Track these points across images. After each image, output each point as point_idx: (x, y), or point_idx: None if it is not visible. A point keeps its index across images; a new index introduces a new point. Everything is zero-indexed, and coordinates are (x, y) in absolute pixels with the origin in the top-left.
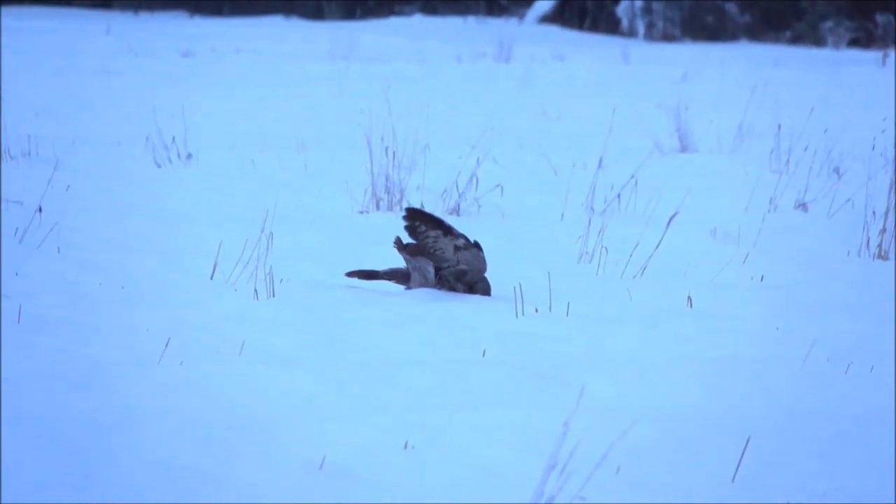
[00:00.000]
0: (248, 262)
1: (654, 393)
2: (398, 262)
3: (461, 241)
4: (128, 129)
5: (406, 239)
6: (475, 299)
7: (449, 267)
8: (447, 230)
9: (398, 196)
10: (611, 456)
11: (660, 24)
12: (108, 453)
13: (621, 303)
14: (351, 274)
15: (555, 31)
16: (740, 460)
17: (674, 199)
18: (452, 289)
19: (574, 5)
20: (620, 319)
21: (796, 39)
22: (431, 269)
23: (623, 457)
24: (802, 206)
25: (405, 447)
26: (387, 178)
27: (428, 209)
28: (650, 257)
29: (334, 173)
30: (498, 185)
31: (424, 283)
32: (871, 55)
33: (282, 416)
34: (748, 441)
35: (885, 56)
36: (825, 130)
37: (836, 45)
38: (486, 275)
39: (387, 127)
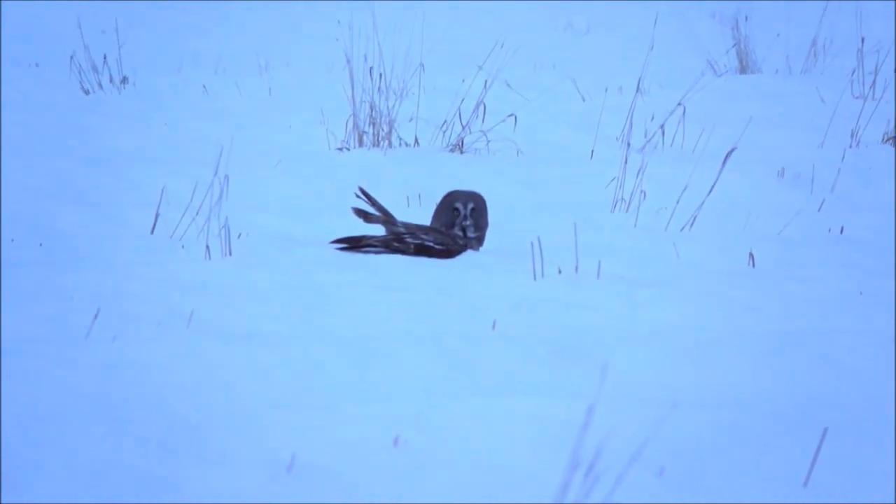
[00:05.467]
0: (197, 213)
1: (704, 374)
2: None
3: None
4: (47, 47)
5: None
6: (483, 258)
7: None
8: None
9: (386, 129)
10: (649, 452)
11: None
12: (28, 453)
13: (665, 262)
14: (338, 242)
15: None
16: (815, 458)
17: (731, 132)
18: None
19: None
20: (663, 283)
21: None
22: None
23: (664, 454)
24: (892, 140)
25: (395, 443)
26: (372, 107)
27: (424, 144)
28: (701, 205)
29: (306, 101)
30: (511, 116)
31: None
32: None
33: (240, 405)
34: (824, 434)
35: None
36: None
37: None
38: (494, 227)
39: (372, 43)
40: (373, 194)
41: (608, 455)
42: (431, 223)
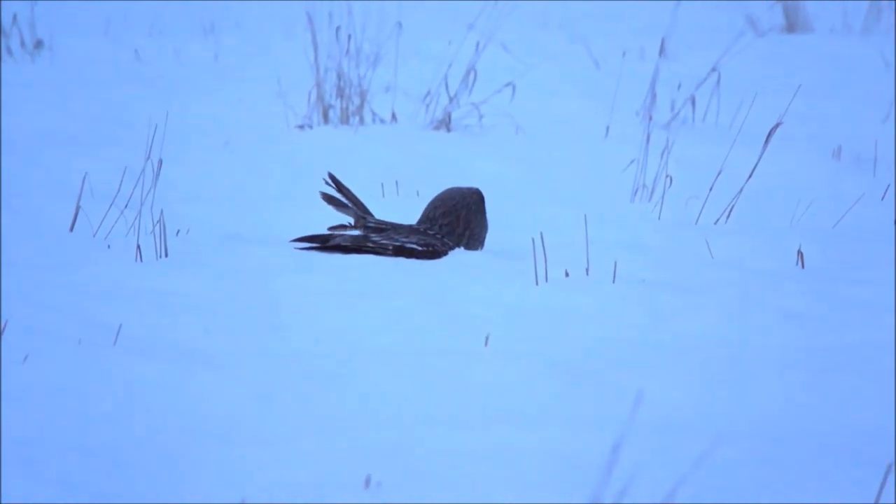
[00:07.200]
0: (126, 206)
1: (744, 399)
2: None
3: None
4: None
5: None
6: (475, 258)
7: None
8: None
9: (357, 102)
10: (684, 492)
11: None
12: None
13: (696, 262)
14: (302, 240)
15: None
16: (879, 495)
17: (776, 104)
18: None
19: None
20: (694, 287)
21: None
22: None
23: (700, 495)
24: None
25: (366, 485)
26: (340, 76)
27: (402, 120)
28: (740, 192)
29: (260, 69)
30: (508, 85)
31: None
32: None
33: (178, 438)
34: (888, 470)
35: None
36: None
37: None
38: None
39: None
40: (343, 182)
41: (635, 498)
42: (420, 220)
